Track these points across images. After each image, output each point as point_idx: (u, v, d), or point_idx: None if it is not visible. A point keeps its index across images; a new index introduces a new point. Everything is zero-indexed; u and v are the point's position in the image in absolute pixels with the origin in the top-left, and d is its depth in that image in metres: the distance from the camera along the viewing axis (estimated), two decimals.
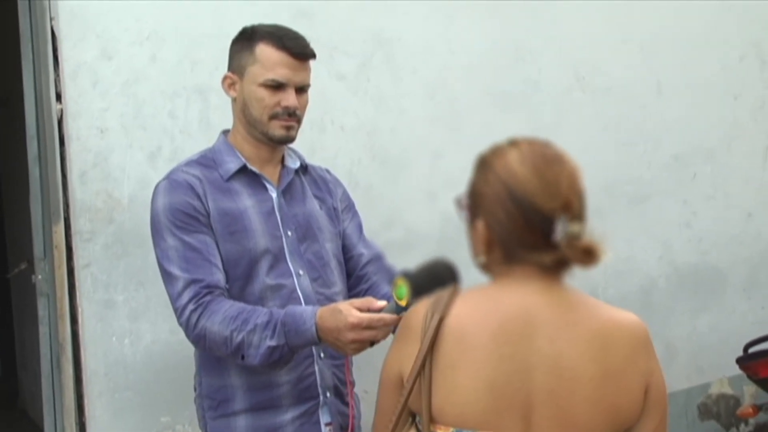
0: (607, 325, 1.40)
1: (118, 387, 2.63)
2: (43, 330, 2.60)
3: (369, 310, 1.78)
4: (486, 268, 1.45)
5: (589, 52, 3.54)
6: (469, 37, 3.27)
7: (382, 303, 1.80)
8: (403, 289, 1.70)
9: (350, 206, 2.27)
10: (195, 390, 2.09)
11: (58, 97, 2.57)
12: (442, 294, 1.43)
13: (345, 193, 2.28)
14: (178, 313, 1.91)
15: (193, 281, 1.90)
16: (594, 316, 1.41)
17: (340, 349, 1.85)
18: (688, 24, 3.74)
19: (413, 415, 1.46)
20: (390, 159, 3.12)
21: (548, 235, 1.33)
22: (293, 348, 1.86)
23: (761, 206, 3.95)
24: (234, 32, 2.11)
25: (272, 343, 1.83)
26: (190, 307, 1.89)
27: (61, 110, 2.57)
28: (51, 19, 2.56)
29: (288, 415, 1.99)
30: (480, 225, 1.40)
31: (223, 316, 1.86)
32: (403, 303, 1.71)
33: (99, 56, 2.62)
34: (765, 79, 3.98)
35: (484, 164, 1.42)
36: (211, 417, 2.02)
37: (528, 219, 1.34)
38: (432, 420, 1.38)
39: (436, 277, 1.68)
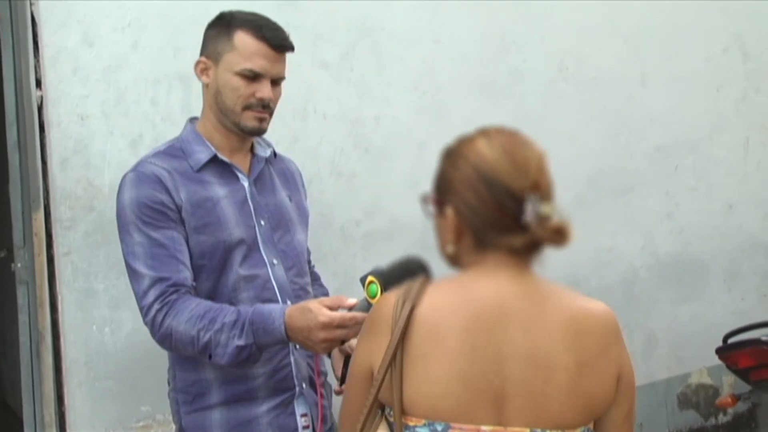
0: (580, 314, 1.40)
1: (98, 376, 2.61)
2: (23, 318, 2.58)
3: (339, 308, 1.76)
4: (454, 258, 1.43)
5: (574, 43, 3.54)
6: (455, 27, 3.26)
7: (353, 301, 1.78)
8: (375, 287, 1.69)
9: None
10: (169, 384, 2.07)
11: (38, 83, 2.54)
12: (413, 284, 1.41)
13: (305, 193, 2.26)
14: (144, 312, 1.88)
15: (160, 279, 1.86)
16: (566, 305, 1.40)
17: (310, 348, 1.83)
18: (672, 16, 3.75)
19: (382, 408, 1.44)
20: (373, 148, 3.11)
21: (518, 215, 1.32)
22: (261, 347, 1.84)
23: (743, 198, 3.98)
24: None
25: (240, 342, 1.80)
26: (156, 306, 1.85)
27: (41, 96, 2.54)
28: (31, 4, 2.53)
29: (263, 407, 1.97)
30: (449, 212, 1.39)
31: (189, 315, 1.83)
32: (375, 301, 1.69)
33: (80, 42, 2.59)
34: (748, 71, 3.99)
35: (452, 153, 1.42)
36: (186, 411, 1.99)
37: (498, 200, 1.33)
38: (403, 412, 1.37)
39: (408, 275, 1.66)
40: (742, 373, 3.37)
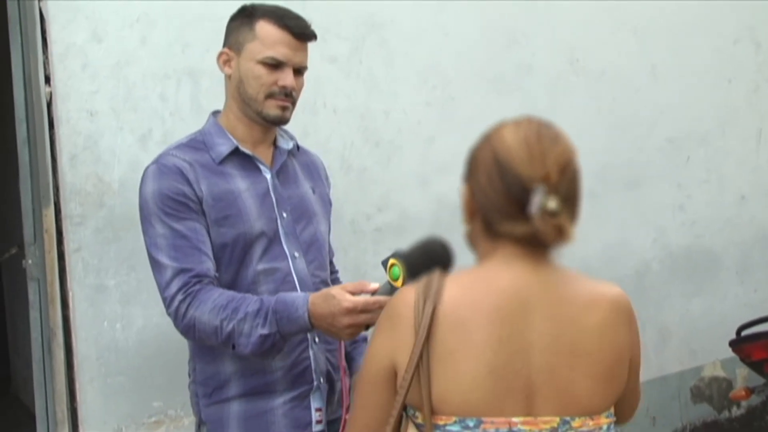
0: (598, 299, 1.41)
1: (109, 372, 2.62)
2: (34, 315, 2.59)
3: (362, 293, 1.76)
4: (470, 238, 1.44)
5: (583, 36, 3.52)
6: (463, 21, 3.25)
7: (375, 285, 1.77)
8: (398, 269, 1.68)
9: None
10: (189, 376, 2.07)
11: (47, 80, 2.54)
12: (430, 278, 1.40)
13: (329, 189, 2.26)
14: (167, 303, 1.89)
15: (182, 270, 1.86)
16: (584, 291, 1.41)
17: (334, 335, 1.83)
18: (682, 8, 3.73)
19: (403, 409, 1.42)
20: (383, 142, 3.11)
21: (524, 205, 1.32)
22: (285, 336, 1.84)
23: (755, 189, 3.96)
24: (224, 14, 2.08)
25: (264, 331, 1.81)
26: (179, 297, 1.85)
27: (51, 93, 2.54)
28: (39, 1, 2.53)
29: (280, 399, 1.97)
30: (466, 190, 1.41)
31: (212, 305, 1.84)
32: (398, 284, 1.68)
33: (88, 38, 2.59)
34: (759, 62, 3.97)
35: (484, 136, 1.42)
36: (205, 404, 2.00)
37: (506, 185, 1.33)
38: (432, 411, 1.35)
39: (430, 256, 1.66)
40: (755, 366, 3.35)
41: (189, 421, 2.56)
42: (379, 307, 1.72)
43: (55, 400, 2.57)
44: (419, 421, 1.38)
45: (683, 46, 3.74)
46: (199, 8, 2.73)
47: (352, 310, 1.73)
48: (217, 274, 1.92)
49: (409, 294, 1.39)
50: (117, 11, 2.63)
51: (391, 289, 1.72)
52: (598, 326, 1.38)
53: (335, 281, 2.24)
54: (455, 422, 1.35)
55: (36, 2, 2.53)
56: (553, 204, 1.30)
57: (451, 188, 3.17)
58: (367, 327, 1.79)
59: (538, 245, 1.37)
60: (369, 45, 3.07)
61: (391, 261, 1.70)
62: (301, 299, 1.82)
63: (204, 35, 2.69)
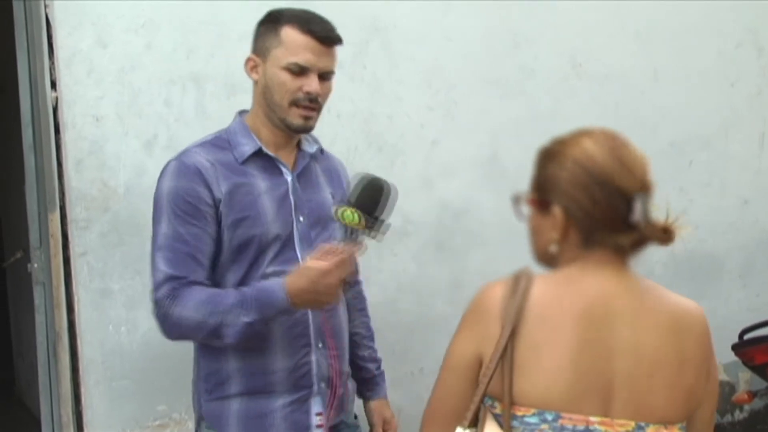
0: (679, 311, 1.45)
1: (114, 376, 2.63)
2: (39, 319, 2.60)
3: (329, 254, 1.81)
4: (551, 258, 1.46)
5: (586, 39, 3.52)
6: (466, 24, 3.26)
7: (336, 243, 1.84)
8: (354, 215, 1.77)
9: None
10: (193, 372, 2.09)
11: (53, 85, 2.56)
12: (519, 275, 1.43)
13: None
14: (155, 306, 1.92)
15: (174, 278, 1.89)
16: (665, 302, 1.45)
17: (321, 303, 1.87)
18: (684, 11, 3.73)
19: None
20: (386, 146, 3.12)
21: (627, 215, 1.38)
22: (268, 320, 1.88)
23: (757, 193, 3.95)
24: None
25: (247, 319, 1.84)
26: (167, 302, 1.89)
27: (56, 98, 2.56)
28: (45, 7, 2.55)
29: (280, 401, 1.99)
30: (557, 211, 1.42)
31: (195, 302, 1.87)
32: (361, 226, 1.77)
33: (94, 44, 2.61)
34: (761, 66, 3.97)
35: (554, 154, 1.46)
36: (206, 400, 2.02)
37: (610, 200, 1.38)
38: (512, 402, 1.39)
39: (373, 190, 1.79)
40: (758, 370, 3.35)
41: (193, 424, 2.58)
42: (350, 255, 1.80)
43: (61, 403, 2.58)
44: (497, 411, 1.41)
45: (685, 50, 3.74)
46: (204, 14, 2.74)
47: (330, 270, 1.78)
48: (208, 282, 1.94)
49: (497, 289, 1.43)
50: (122, 16, 2.64)
51: (352, 234, 1.81)
52: (679, 337, 1.42)
53: (359, 294, 2.29)
54: (534, 414, 1.38)
55: (42, 7, 2.55)
56: (654, 210, 1.38)
57: (455, 192, 3.19)
58: (346, 283, 1.84)
59: (634, 251, 1.42)
60: (372, 49, 3.08)
61: (340, 210, 1.78)
62: (278, 282, 1.86)
63: (209, 41, 2.70)
